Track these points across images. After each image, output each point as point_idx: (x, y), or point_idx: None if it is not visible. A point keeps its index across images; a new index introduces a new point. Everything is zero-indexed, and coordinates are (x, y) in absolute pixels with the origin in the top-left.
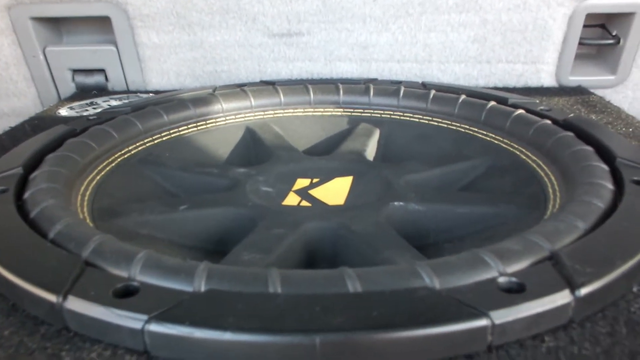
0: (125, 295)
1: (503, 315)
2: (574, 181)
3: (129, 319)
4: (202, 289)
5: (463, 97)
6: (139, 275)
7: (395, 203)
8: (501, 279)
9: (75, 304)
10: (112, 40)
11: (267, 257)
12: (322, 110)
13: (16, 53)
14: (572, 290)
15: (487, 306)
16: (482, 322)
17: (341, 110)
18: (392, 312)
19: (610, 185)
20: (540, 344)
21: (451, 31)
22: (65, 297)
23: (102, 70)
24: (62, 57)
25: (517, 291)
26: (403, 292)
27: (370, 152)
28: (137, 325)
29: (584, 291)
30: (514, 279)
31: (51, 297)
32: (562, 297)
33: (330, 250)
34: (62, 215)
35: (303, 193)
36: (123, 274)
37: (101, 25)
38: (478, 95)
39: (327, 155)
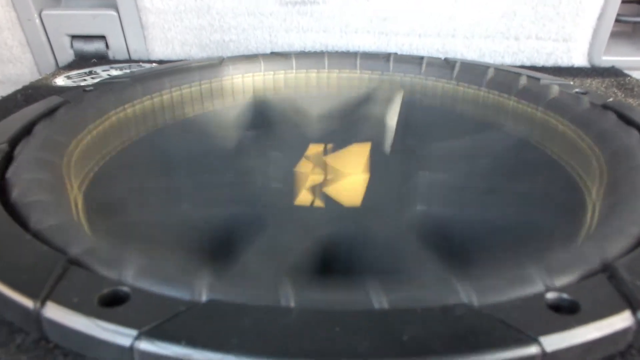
0: (113, 302)
1: (555, 342)
2: (620, 174)
3: (115, 334)
4: (203, 298)
5: (492, 69)
6: (131, 278)
7: (418, 207)
8: (550, 295)
9: (55, 312)
10: (113, 5)
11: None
12: (337, 71)
13: (10, 16)
14: (634, 311)
15: (536, 329)
16: (532, 350)
17: (358, 72)
18: (425, 335)
19: None
20: None
21: (479, 4)
22: (43, 303)
23: (102, 37)
24: (59, 22)
25: (568, 310)
26: (437, 310)
27: (392, 117)
28: (126, 341)
29: None
30: (564, 296)
31: (27, 303)
32: (622, 320)
33: (345, 252)
34: (48, 203)
35: (317, 160)
36: (112, 275)
37: None
38: (508, 72)
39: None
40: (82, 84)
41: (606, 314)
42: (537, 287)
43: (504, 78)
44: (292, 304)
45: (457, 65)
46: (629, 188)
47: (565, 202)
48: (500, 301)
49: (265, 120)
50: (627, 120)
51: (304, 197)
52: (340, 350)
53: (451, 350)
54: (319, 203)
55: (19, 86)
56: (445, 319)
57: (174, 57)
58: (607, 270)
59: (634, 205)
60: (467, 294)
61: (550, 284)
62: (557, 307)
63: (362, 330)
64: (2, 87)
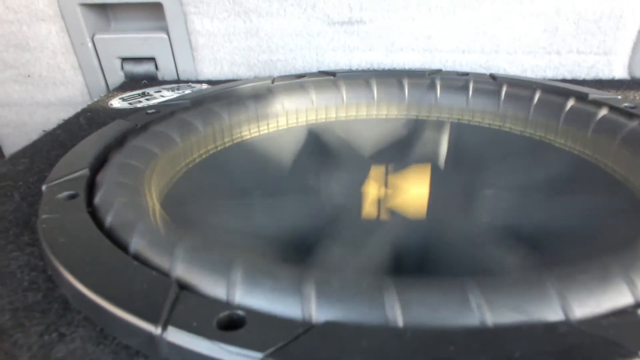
0: (231, 326)
1: None
2: None
3: (240, 356)
4: (314, 316)
5: (538, 94)
6: (239, 298)
7: (485, 191)
8: None
9: (177, 336)
10: (163, 27)
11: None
12: (386, 111)
13: (64, 41)
14: None
15: (635, 344)
16: None
17: (406, 112)
18: (537, 353)
19: None
20: None
21: (522, 21)
22: (164, 328)
23: (152, 59)
24: (111, 45)
25: None
26: (541, 328)
27: (441, 158)
28: None
29: None
30: None
31: (150, 328)
32: None
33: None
34: (141, 225)
35: (381, 179)
36: (221, 295)
37: (151, 11)
38: (554, 90)
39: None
40: (138, 105)
41: None
42: (627, 300)
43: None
44: (400, 322)
45: (504, 89)
46: None
47: (627, 216)
48: (595, 317)
49: (317, 142)
50: None
51: (372, 212)
52: None
53: None
54: (385, 217)
55: (71, 107)
56: (551, 338)
57: (222, 77)
58: None
59: None
60: (564, 306)
61: (639, 295)
62: None
63: (475, 349)
64: (54, 108)
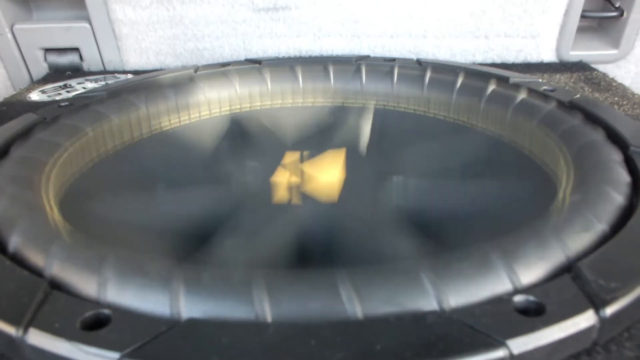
0: (95, 326)
1: (522, 344)
2: (586, 173)
3: (98, 357)
4: (181, 313)
5: (461, 79)
6: (109, 296)
7: (394, 177)
8: (517, 298)
9: (38, 338)
10: (85, 17)
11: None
12: (312, 99)
13: None
14: (597, 310)
15: (503, 333)
16: (499, 353)
17: (332, 100)
18: (398, 343)
19: (628, 179)
20: None
21: (448, 4)
22: (26, 330)
23: (76, 49)
24: (31, 35)
25: (535, 312)
26: (409, 319)
27: (362, 144)
28: None
29: (609, 310)
30: (531, 298)
31: (10, 330)
32: (586, 319)
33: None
34: (25, 224)
35: (294, 168)
36: (92, 293)
37: (73, 0)
38: (477, 73)
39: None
40: (57, 98)
41: (571, 314)
42: (505, 288)
43: (474, 82)
44: (269, 318)
45: (428, 72)
46: (594, 185)
47: (536, 201)
48: (470, 305)
49: (241, 131)
50: (592, 117)
51: (281, 197)
52: None
53: (422, 358)
54: (296, 201)
55: None
56: (417, 327)
57: (148, 67)
58: (572, 270)
59: (598, 202)
60: (438, 296)
61: (518, 285)
62: (524, 310)
63: (337, 342)
64: None
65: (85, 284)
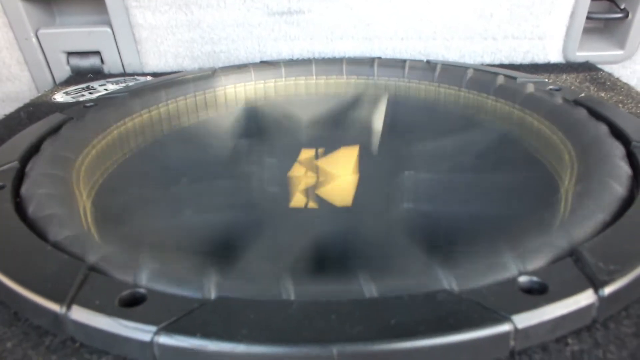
0: (132, 303)
1: (526, 319)
2: (589, 166)
3: (136, 331)
4: (212, 296)
5: (471, 71)
6: (145, 281)
7: (406, 172)
8: (522, 279)
9: (80, 314)
10: (106, 21)
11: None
12: (324, 77)
13: (8, 36)
14: (596, 290)
15: (509, 309)
16: (505, 327)
17: (345, 77)
18: (411, 318)
19: (629, 172)
20: (564, 347)
21: (457, 7)
22: (69, 307)
23: (97, 53)
24: (55, 40)
25: (538, 292)
26: (421, 297)
27: (378, 120)
28: (146, 337)
29: (607, 290)
30: (535, 279)
31: (55, 307)
32: (586, 298)
33: (338, 247)
34: (62, 215)
35: (309, 164)
36: (129, 279)
37: (95, 5)
38: (484, 73)
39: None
40: (81, 99)
41: (572, 293)
42: (511, 272)
43: (482, 78)
44: (292, 297)
45: (438, 67)
46: (597, 177)
47: (541, 194)
48: (479, 286)
49: (258, 127)
50: (596, 115)
51: (298, 200)
52: (337, 335)
53: (434, 331)
54: (312, 205)
55: (18, 103)
56: (428, 304)
57: (167, 69)
58: (574, 254)
59: (600, 193)
60: (448, 280)
61: (523, 268)
62: (529, 290)
63: (355, 317)
64: (2, 105)
65: (122, 269)
